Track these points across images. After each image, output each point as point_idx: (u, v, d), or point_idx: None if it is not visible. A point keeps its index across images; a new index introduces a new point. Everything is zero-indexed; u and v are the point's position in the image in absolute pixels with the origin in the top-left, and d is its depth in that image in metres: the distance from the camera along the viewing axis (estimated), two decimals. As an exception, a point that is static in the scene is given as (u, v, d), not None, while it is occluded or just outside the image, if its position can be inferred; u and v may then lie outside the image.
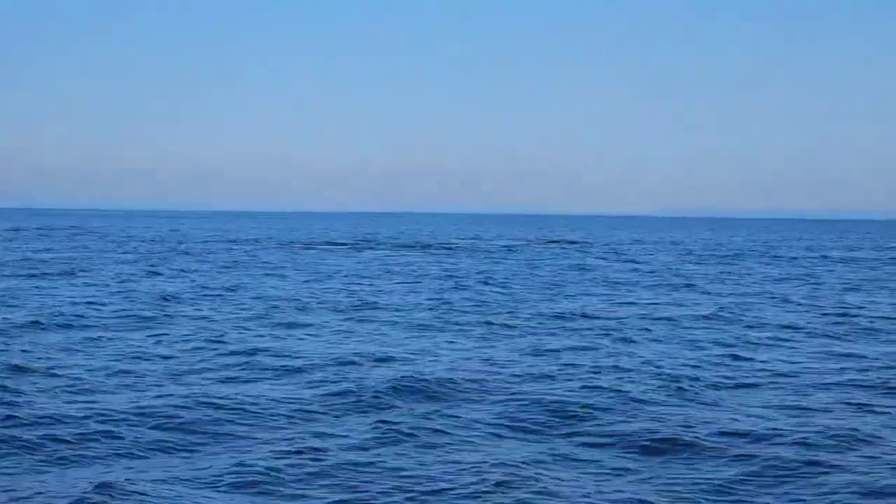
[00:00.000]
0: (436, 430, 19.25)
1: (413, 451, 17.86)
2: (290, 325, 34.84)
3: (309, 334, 32.83)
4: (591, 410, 20.75)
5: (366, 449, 17.90)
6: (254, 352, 28.16)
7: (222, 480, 15.93)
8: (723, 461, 17.22)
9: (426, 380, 23.96)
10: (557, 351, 29.24)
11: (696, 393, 23.24)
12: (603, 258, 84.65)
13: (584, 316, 38.70)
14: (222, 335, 31.58)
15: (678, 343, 31.47)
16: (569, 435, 19.06)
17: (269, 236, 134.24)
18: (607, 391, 22.99)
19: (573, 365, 26.71)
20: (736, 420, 20.20)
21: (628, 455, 17.74)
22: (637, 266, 74.48)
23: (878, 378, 25.20)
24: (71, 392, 22.37)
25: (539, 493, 15.41)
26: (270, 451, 17.35)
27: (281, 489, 15.57)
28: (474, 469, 16.62)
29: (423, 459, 17.29)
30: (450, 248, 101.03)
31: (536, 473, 16.53)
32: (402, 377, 24.11)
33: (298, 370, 25.40)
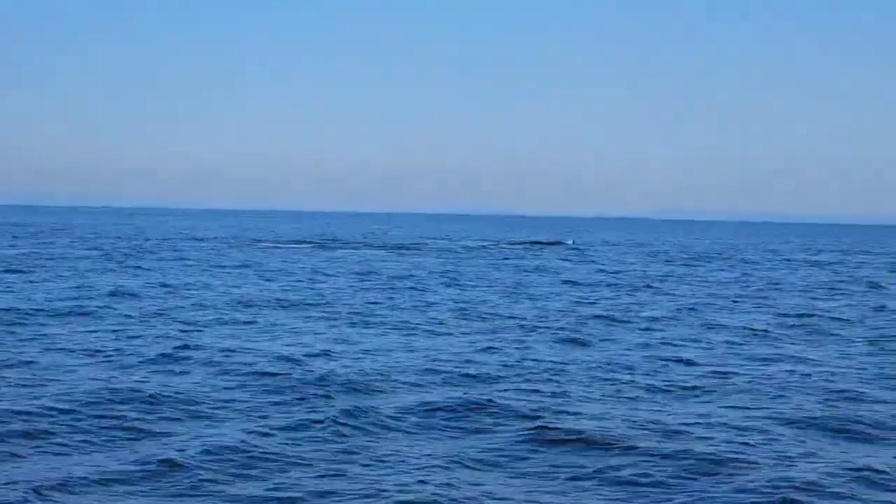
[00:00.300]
0: (377, 429, 19.29)
1: (351, 448, 17.88)
2: (241, 322, 34.84)
3: (259, 331, 32.79)
4: (538, 412, 20.78)
5: (303, 446, 17.91)
6: (202, 348, 28.06)
7: (155, 476, 15.92)
8: (662, 460, 17.28)
9: (371, 378, 24.06)
10: (509, 351, 29.25)
11: (643, 394, 23.36)
12: (567, 260, 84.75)
13: (540, 317, 38.72)
14: (172, 332, 31.52)
15: (631, 345, 31.50)
16: (513, 434, 19.05)
17: (236, 235, 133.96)
18: (555, 393, 23.08)
19: (522, 365, 26.74)
20: (677, 420, 20.28)
21: (569, 456, 17.75)
22: (601, 268, 74.61)
23: (821, 381, 25.36)
24: (17, 387, 22.30)
25: (484, 494, 15.49)
26: (206, 447, 17.30)
27: (214, 486, 15.56)
28: (414, 469, 16.67)
29: (362, 458, 17.31)
30: (418, 248, 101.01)
31: (476, 474, 16.62)
32: (348, 375, 24.20)
33: (243, 366, 25.27)
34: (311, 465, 16.79)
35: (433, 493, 15.27)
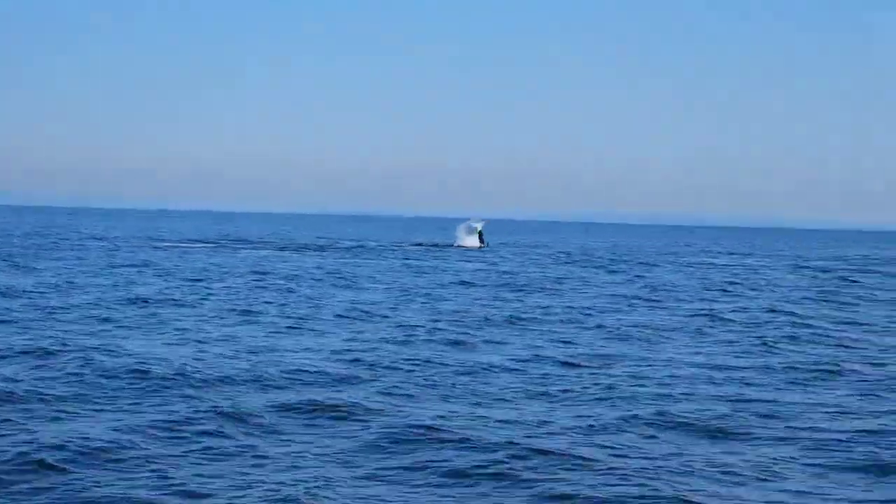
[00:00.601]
0: (254, 428, 19.46)
1: (227, 447, 18.04)
2: (128, 321, 34.79)
3: (146, 330, 32.77)
4: (416, 412, 21.05)
5: (180, 445, 17.97)
6: (85, 347, 27.71)
7: (27, 479, 15.87)
8: (540, 460, 17.55)
9: (252, 377, 24.27)
10: (393, 352, 29.36)
11: (523, 396, 23.66)
12: (468, 261, 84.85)
13: (430, 318, 38.71)
14: (56, 331, 31.30)
15: (519, 346, 31.78)
16: (389, 433, 19.23)
17: (139, 234, 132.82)
18: (438, 395, 23.30)
19: (405, 366, 26.92)
20: (559, 423, 20.54)
21: (445, 453, 17.93)
22: (500, 269, 74.72)
23: (704, 382, 25.79)
24: None
25: (358, 493, 15.68)
26: (80, 447, 17.32)
27: (86, 486, 15.56)
28: (288, 467, 16.85)
29: (237, 457, 17.47)
30: (321, 249, 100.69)
31: (350, 472, 16.81)
32: (229, 374, 24.51)
33: (125, 365, 25.15)
34: (186, 463, 16.84)
35: (306, 491, 15.42)
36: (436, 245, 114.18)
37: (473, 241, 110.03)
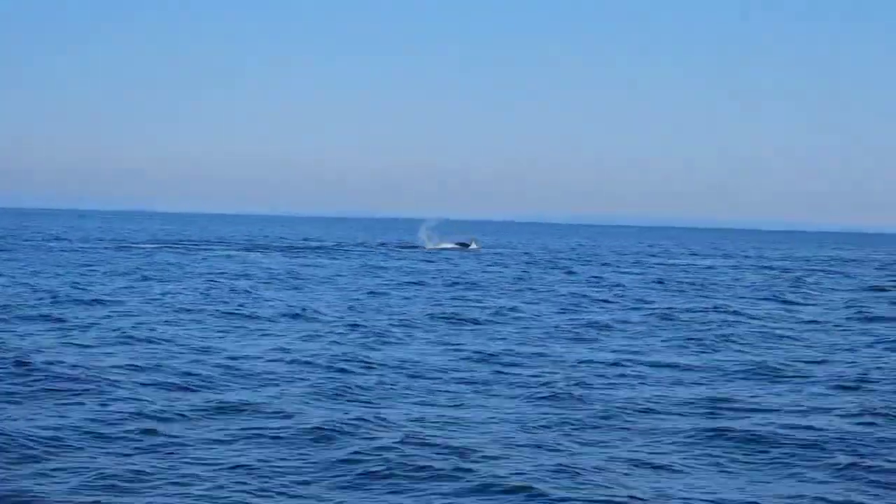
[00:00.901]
0: (187, 428, 19.43)
1: (160, 445, 18.05)
2: (67, 321, 34.57)
3: (85, 329, 32.64)
4: (341, 409, 21.28)
5: (114, 443, 18.01)
6: (17, 348, 27.49)
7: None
8: (455, 452, 17.77)
9: (185, 377, 24.30)
10: (326, 353, 29.17)
11: (453, 392, 23.88)
12: (429, 261, 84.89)
13: (388, 320, 38.73)
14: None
15: (458, 344, 32.00)
16: (307, 430, 19.31)
17: (103, 236, 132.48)
18: (370, 398, 23.17)
19: (346, 370, 26.78)
20: (479, 421, 20.69)
21: (370, 449, 17.94)
22: (459, 269, 74.78)
23: (634, 386, 25.79)
24: None
25: (294, 492, 15.70)
26: (6, 446, 17.33)
27: (19, 483, 15.54)
28: (221, 466, 16.82)
29: (170, 456, 17.42)
30: (287, 250, 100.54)
31: (283, 464, 16.96)
32: (163, 374, 24.58)
33: (56, 364, 24.99)
34: (124, 463, 16.81)
35: (245, 489, 15.53)
36: (400, 247, 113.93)
37: (449, 244, 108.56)
